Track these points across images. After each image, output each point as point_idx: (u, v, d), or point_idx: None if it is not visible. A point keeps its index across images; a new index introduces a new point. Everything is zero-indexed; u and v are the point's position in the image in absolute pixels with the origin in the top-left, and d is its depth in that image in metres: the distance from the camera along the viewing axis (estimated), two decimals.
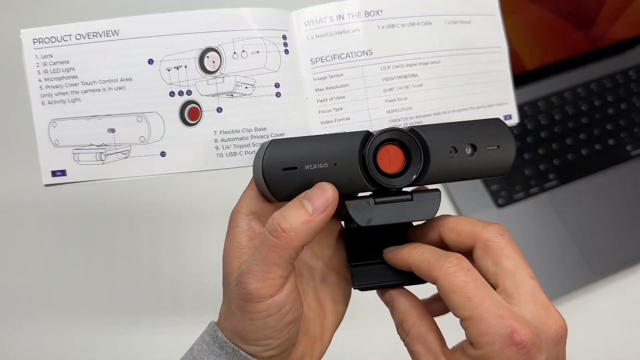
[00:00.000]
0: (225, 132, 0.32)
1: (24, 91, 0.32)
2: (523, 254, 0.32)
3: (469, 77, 0.36)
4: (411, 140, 0.30)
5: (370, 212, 0.30)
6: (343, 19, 0.33)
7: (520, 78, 0.73)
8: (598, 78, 0.74)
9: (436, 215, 0.32)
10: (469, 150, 0.31)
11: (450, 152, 0.31)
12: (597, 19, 0.71)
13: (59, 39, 0.32)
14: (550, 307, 0.30)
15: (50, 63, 0.32)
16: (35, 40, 0.32)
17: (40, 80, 0.32)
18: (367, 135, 0.30)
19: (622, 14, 0.72)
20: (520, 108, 0.71)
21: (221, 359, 0.31)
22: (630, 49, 0.76)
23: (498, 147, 0.31)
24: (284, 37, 0.33)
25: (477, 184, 0.66)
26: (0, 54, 0.62)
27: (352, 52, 0.33)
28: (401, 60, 0.34)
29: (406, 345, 0.32)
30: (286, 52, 0.33)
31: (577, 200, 0.65)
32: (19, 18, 0.83)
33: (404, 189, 0.31)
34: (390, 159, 0.30)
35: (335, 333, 0.36)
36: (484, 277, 0.30)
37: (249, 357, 0.30)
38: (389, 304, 0.33)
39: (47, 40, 0.32)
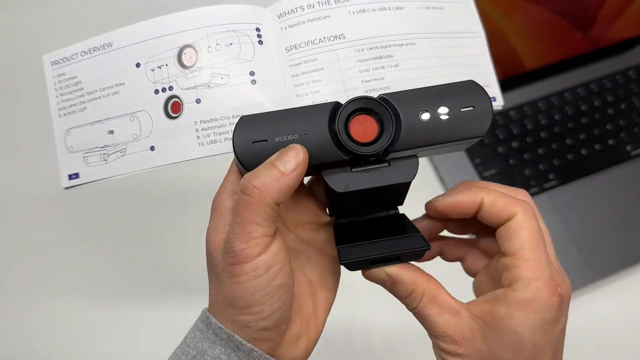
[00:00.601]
0: (204, 122, 0.33)
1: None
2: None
3: (447, 59, 0.36)
4: (381, 107, 0.30)
5: (347, 179, 0.30)
6: (313, 7, 0.35)
7: (520, 78, 0.73)
8: (598, 78, 0.74)
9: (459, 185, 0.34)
10: (442, 112, 0.30)
11: (423, 115, 0.30)
12: (597, 19, 0.71)
13: (69, 58, 0.37)
14: (564, 273, 0.33)
15: (63, 80, 0.37)
16: (52, 63, 0.37)
17: (57, 97, 0.37)
18: (337, 105, 0.30)
19: (621, 14, 0.72)
20: (520, 108, 0.71)
21: (216, 345, 0.30)
22: (630, 49, 0.76)
23: (473, 107, 0.30)
24: (258, 29, 0.35)
25: None
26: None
27: (324, 38, 0.34)
28: (375, 43, 0.35)
29: (417, 312, 0.32)
30: (260, 42, 0.34)
31: (577, 200, 0.65)
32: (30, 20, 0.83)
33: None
34: (364, 128, 0.30)
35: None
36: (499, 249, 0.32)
37: (244, 342, 0.30)
38: (387, 281, 0.32)
39: (60, 61, 0.37)
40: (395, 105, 0.30)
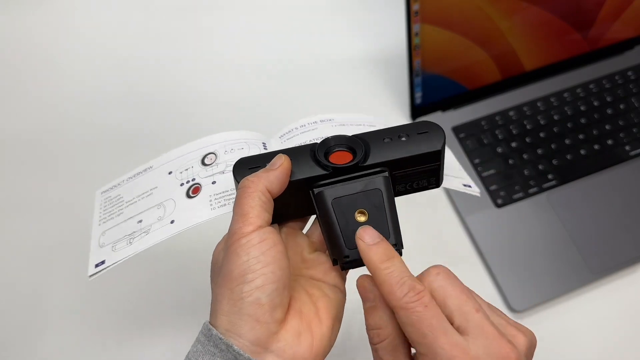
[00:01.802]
0: (217, 194, 0.40)
1: None
2: (466, 287, 0.33)
3: None
4: (353, 140, 0.37)
5: (330, 190, 0.36)
6: (305, 126, 0.45)
7: (520, 78, 0.73)
8: (597, 79, 0.74)
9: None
10: (402, 138, 0.37)
11: (386, 140, 0.37)
12: (596, 20, 0.72)
13: (117, 185, 0.45)
14: (498, 338, 0.31)
15: (108, 200, 0.45)
16: (103, 192, 0.46)
17: (100, 213, 0.44)
18: (315, 144, 0.37)
19: (621, 14, 0.73)
20: (519, 108, 0.71)
21: (215, 358, 0.32)
22: (629, 50, 0.76)
23: (427, 132, 0.38)
24: (264, 143, 0.44)
25: (476, 183, 0.66)
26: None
27: (314, 139, 0.42)
28: None
29: (375, 349, 0.33)
30: (265, 148, 0.44)
31: (576, 200, 0.65)
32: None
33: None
34: (340, 157, 0.37)
35: None
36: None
37: (242, 352, 0.31)
38: (372, 300, 0.34)
39: (109, 189, 0.46)
40: (364, 137, 0.38)
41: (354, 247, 0.34)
